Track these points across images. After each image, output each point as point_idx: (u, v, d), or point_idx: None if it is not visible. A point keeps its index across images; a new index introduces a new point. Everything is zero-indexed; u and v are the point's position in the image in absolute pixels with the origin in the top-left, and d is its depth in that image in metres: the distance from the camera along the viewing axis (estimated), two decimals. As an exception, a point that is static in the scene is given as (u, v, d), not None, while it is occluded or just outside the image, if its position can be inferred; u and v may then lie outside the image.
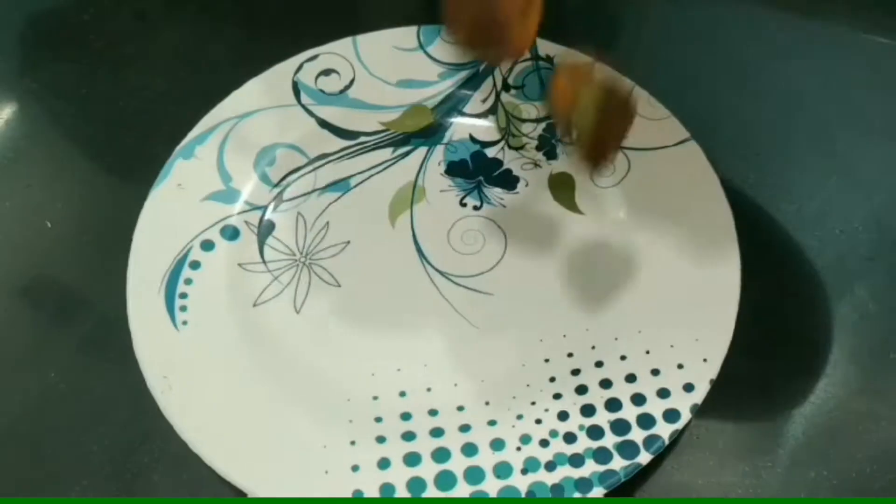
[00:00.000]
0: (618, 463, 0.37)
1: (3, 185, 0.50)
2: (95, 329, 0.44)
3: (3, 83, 0.55)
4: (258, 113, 0.49)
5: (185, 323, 0.42)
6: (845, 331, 0.43)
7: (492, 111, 0.50)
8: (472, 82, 0.50)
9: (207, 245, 0.45)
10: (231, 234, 0.45)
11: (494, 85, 0.50)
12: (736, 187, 0.45)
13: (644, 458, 0.37)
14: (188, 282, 0.43)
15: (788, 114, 0.50)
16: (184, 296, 0.43)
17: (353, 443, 0.39)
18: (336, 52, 0.51)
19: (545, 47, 0.50)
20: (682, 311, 0.41)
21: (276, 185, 0.47)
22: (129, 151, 0.51)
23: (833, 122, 0.50)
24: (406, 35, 0.51)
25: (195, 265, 0.44)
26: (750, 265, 0.42)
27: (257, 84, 0.49)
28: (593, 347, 0.41)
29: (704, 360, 0.39)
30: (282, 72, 0.50)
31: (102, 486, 0.40)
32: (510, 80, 0.50)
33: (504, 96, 0.50)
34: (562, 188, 0.47)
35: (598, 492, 0.37)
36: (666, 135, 0.46)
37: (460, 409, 0.40)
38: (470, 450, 0.39)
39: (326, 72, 0.50)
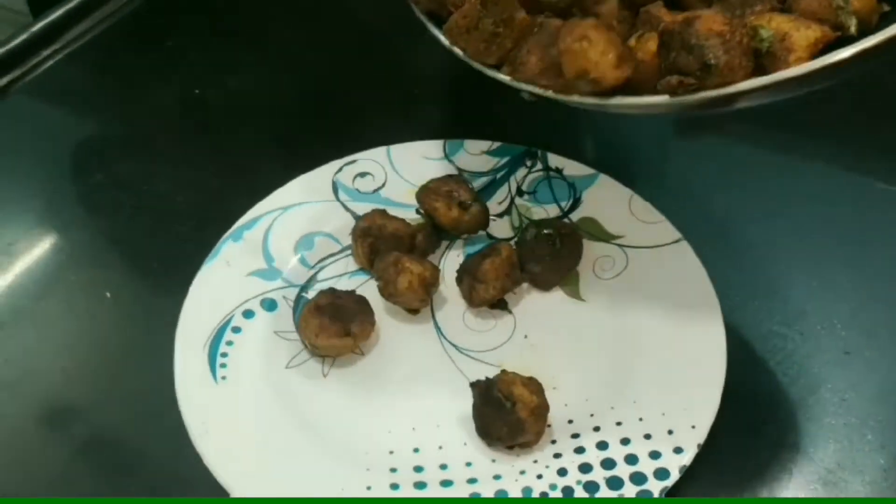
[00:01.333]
0: (611, 514, 0.41)
1: (71, 261, 0.56)
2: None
3: (73, 176, 0.62)
4: (301, 206, 0.55)
5: (224, 378, 0.47)
6: (825, 413, 0.47)
7: (507, 212, 0.56)
8: (490, 188, 0.57)
9: (248, 313, 0.50)
10: (270, 305, 0.51)
11: (509, 191, 0.57)
12: (725, 283, 0.50)
13: (636, 510, 0.41)
14: (229, 343, 0.48)
15: (778, 230, 0.56)
16: (224, 355, 0.48)
17: (368, 488, 0.43)
18: (372, 158, 0.58)
19: (555, 160, 0.57)
20: (672, 386, 0.46)
21: (312, 267, 0.53)
22: (182, 237, 0.57)
23: (814, 233, 0.56)
24: (433, 147, 0.58)
25: (237, 330, 0.49)
26: (735, 349, 0.46)
27: (302, 181, 0.56)
28: (592, 415, 0.46)
29: (693, 426, 0.43)
30: (323, 172, 0.57)
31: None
32: (524, 187, 0.57)
33: (518, 200, 0.56)
34: (568, 279, 0.52)
35: (592, 538, 0.40)
36: (660, 235, 0.52)
37: (468, 464, 0.44)
38: (476, 500, 0.42)
39: (362, 174, 0.57)
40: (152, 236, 0.58)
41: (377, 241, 0.52)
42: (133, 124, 0.66)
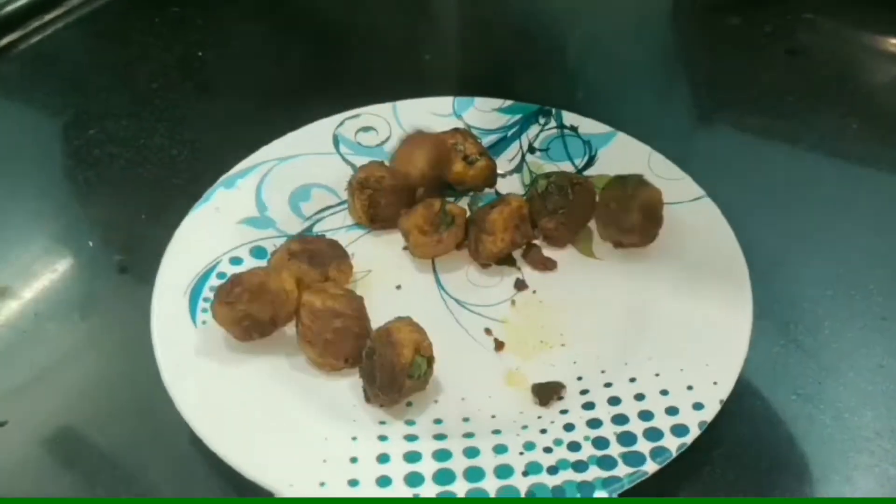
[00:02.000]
0: (622, 470, 0.36)
1: (52, 209, 0.54)
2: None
3: (67, 130, 0.60)
4: (299, 157, 0.52)
5: (204, 322, 0.43)
6: (861, 379, 0.42)
7: (517, 170, 0.52)
8: (500, 145, 0.53)
9: (236, 260, 0.47)
10: (259, 253, 0.47)
11: (521, 148, 0.53)
12: (750, 243, 0.46)
13: (650, 467, 0.36)
14: (212, 289, 0.45)
15: (811, 192, 0.53)
16: (207, 300, 0.44)
17: (354, 438, 0.39)
18: (377, 113, 0.55)
19: (570, 118, 0.54)
20: (692, 342, 0.41)
21: (308, 219, 0.50)
22: (174, 189, 0.54)
23: (850, 197, 0.52)
24: (442, 103, 0.55)
25: (222, 276, 0.45)
26: (761, 310, 0.42)
27: (302, 133, 0.53)
28: (603, 371, 0.42)
29: (714, 382, 0.39)
30: (325, 125, 0.54)
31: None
32: (536, 144, 0.53)
33: (529, 157, 0.53)
34: (580, 237, 0.48)
35: (601, 495, 0.36)
36: (682, 192, 0.48)
37: (466, 420, 0.40)
38: (471, 452, 0.38)
39: (366, 129, 0.54)
40: (143, 188, 0.55)
41: (376, 193, 0.49)
42: (133, 86, 0.64)
